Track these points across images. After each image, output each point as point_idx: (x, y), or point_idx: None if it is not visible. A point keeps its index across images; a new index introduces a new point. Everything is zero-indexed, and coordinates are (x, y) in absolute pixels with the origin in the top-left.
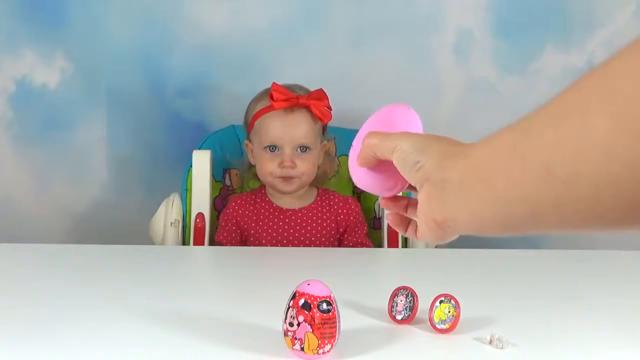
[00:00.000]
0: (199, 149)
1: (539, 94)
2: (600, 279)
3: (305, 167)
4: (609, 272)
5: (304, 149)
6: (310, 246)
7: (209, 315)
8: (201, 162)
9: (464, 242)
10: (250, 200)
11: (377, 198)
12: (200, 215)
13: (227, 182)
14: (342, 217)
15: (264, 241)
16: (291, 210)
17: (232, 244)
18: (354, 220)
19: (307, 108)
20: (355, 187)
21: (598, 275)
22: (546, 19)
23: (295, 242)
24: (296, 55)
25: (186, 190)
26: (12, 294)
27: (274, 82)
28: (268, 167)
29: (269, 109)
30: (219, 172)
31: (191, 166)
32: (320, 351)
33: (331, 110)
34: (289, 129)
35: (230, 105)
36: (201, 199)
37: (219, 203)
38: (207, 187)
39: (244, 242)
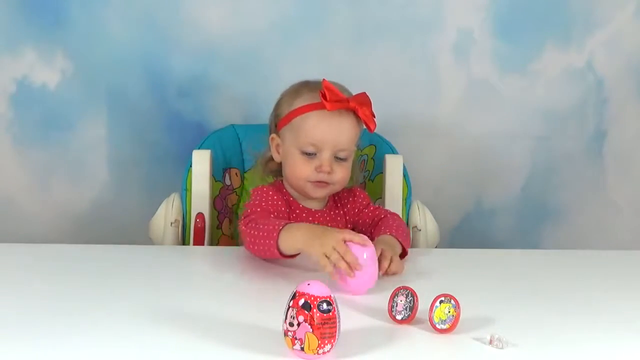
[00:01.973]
0: (199, 149)
1: (539, 94)
2: (601, 279)
3: (341, 175)
4: (609, 272)
5: (342, 156)
6: None
7: (209, 315)
8: (201, 162)
9: (464, 242)
10: (278, 193)
11: (377, 198)
12: (200, 215)
13: (227, 182)
14: (348, 207)
15: None
16: (320, 212)
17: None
18: (364, 202)
19: (354, 112)
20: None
21: (598, 276)
22: (546, 19)
23: None
24: (296, 55)
25: (186, 190)
26: (12, 294)
27: (324, 80)
28: (304, 172)
29: (317, 106)
30: (219, 172)
31: (191, 166)
32: (320, 351)
33: (375, 117)
34: (335, 133)
35: (230, 105)
36: (201, 199)
37: (219, 203)
38: (207, 187)
39: None
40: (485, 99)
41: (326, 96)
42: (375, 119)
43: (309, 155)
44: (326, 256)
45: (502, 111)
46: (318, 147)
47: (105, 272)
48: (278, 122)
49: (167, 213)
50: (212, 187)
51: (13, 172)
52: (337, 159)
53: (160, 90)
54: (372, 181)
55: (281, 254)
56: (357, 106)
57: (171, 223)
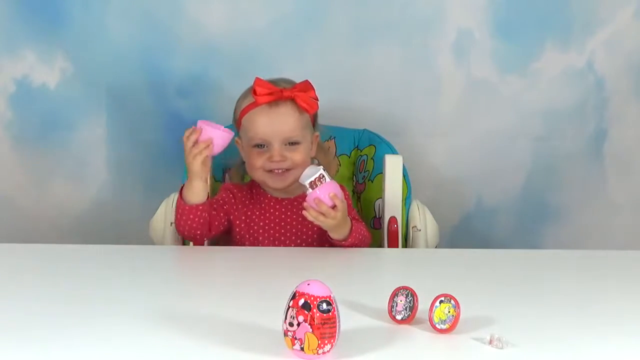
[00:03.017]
0: None
1: (539, 94)
2: (601, 279)
3: (296, 159)
4: (610, 272)
5: (293, 141)
6: (306, 234)
7: (209, 315)
8: None
9: (464, 242)
10: (245, 188)
11: (377, 198)
12: None
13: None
14: None
15: (257, 229)
16: (287, 200)
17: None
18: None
19: (293, 101)
20: (355, 188)
21: (598, 276)
22: (546, 19)
23: (293, 230)
24: (296, 55)
25: None
26: (12, 293)
27: (256, 77)
28: (258, 162)
29: (254, 105)
30: (219, 172)
31: None
32: (320, 351)
33: (317, 100)
34: (276, 125)
35: (230, 105)
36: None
37: None
38: None
39: (226, 232)
40: (485, 99)
41: (256, 91)
42: (317, 103)
43: (260, 147)
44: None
45: (502, 111)
46: (266, 140)
47: (105, 272)
48: (236, 126)
49: (167, 213)
50: (212, 187)
51: (13, 172)
52: (290, 144)
53: (160, 90)
54: (372, 181)
55: (187, 203)
56: (292, 94)
57: (171, 223)
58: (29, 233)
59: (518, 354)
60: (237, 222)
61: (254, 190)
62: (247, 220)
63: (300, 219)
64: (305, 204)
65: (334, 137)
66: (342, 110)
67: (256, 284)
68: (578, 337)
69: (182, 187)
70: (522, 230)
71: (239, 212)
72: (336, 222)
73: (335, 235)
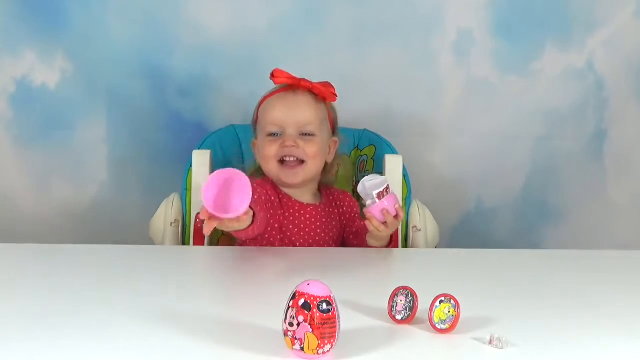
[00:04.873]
0: (199, 149)
1: (539, 94)
2: (601, 279)
3: (309, 150)
4: (609, 272)
5: (308, 130)
6: (323, 239)
7: (209, 315)
8: (201, 162)
9: (464, 242)
10: (266, 185)
11: None
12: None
13: None
14: (344, 209)
15: (290, 235)
16: (312, 206)
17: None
18: (356, 210)
19: (311, 92)
20: (354, 188)
21: (598, 275)
22: (546, 19)
23: (317, 237)
24: (296, 55)
25: (186, 190)
26: (12, 293)
27: (275, 68)
28: (271, 150)
29: (272, 93)
30: None
31: (191, 166)
32: (320, 351)
33: (336, 97)
34: (292, 111)
35: (230, 105)
36: (201, 199)
37: None
38: None
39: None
40: (485, 99)
41: (275, 75)
42: (336, 96)
43: (274, 135)
44: None
45: (502, 111)
46: (280, 126)
47: (105, 272)
48: (254, 125)
49: (167, 213)
50: None
51: (13, 172)
52: (304, 135)
53: (160, 90)
54: None
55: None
56: (311, 84)
57: (171, 223)
58: (29, 233)
59: (518, 354)
60: (271, 221)
61: (277, 191)
62: (277, 225)
63: (323, 227)
64: (369, 214)
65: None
66: (342, 110)
67: (256, 284)
68: (578, 337)
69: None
70: (522, 230)
71: (274, 211)
72: (391, 233)
73: (380, 243)
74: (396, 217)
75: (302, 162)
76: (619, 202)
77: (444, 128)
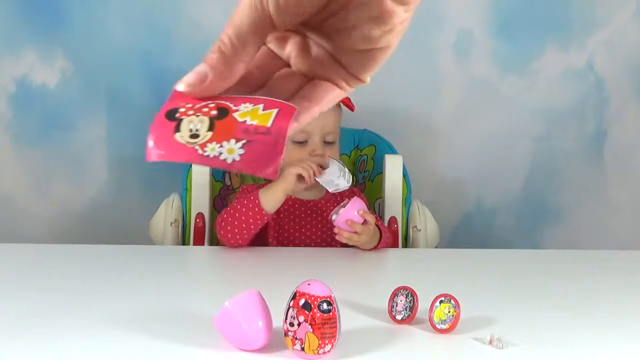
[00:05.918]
0: None
1: (539, 94)
2: (601, 279)
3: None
4: (609, 272)
5: (330, 139)
6: (326, 234)
7: (209, 315)
8: None
9: (464, 242)
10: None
11: (377, 198)
12: (200, 215)
13: (227, 182)
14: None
15: (288, 235)
16: (313, 202)
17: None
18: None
19: None
20: (355, 188)
21: (598, 275)
22: (546, 19)
23: (318, 232)
24: None
25: (186, 190)
26: (11, 293)
27: None
28: (298, 156)
29: None
30: (219, 172)
31: (191, 166)
32: (321, 351)
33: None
34: (321, 117)
35: None
36: (201, 199)
37: (218, 203)
38: (207, 187)
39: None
40: (485, 99)
41: None
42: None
43: (300, 143)
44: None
45: (502, 111)
46: (308, 133)
47: (105, 272)
48: None
49: (167, 213)
50: (212, 187)
51: (13, 172)
52: (326, 143)
53: (160, 90)
54: (372, 181)
55: (264, 212)
56: None
57: (171, 223)
58: (29, 233)
59: (518, 354)
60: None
61: None
62: (275, 225)
63: (324, 221)
64: (336, 228)
65: None
66: (342, 111)
67: (256, 284)
68: (578, 337)
69: (256, 190)
70: (522, 230)
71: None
72: (369, 237)
73: (367, 247)
74: (363, 223)
75: (321, 167)
76: (619, 202)
77: (444, 128)
